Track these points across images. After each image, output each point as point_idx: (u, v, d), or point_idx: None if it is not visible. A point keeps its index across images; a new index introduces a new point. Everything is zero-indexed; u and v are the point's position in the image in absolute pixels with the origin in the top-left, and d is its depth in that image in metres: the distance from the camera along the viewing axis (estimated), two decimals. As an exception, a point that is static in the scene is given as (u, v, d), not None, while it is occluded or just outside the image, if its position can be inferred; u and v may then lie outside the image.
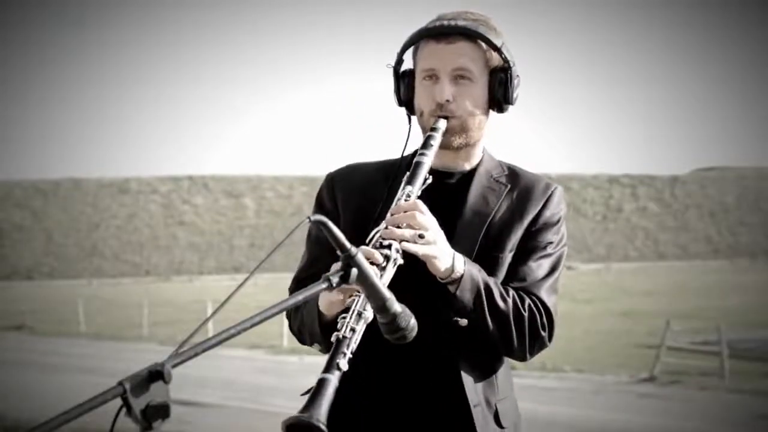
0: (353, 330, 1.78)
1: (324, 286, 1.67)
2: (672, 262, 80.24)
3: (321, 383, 1.66)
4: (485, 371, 2.16)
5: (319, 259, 2.13)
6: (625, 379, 15.45)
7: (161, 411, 1.34)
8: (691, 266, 70.70)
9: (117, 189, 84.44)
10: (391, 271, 1.92)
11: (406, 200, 2.06)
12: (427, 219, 2.01)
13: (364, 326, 1.80)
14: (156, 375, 1.34)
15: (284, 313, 2.22)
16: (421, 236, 1.98)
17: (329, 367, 1.70)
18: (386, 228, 1.99)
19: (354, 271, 1.70)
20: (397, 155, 2.26)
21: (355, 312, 1.81)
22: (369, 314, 1.81)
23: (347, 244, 1.70)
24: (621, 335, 22.29)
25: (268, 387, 14.47)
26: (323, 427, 1.59)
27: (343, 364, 1.71)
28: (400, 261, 1.95)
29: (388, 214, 2.03)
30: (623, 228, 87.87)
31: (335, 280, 1.69)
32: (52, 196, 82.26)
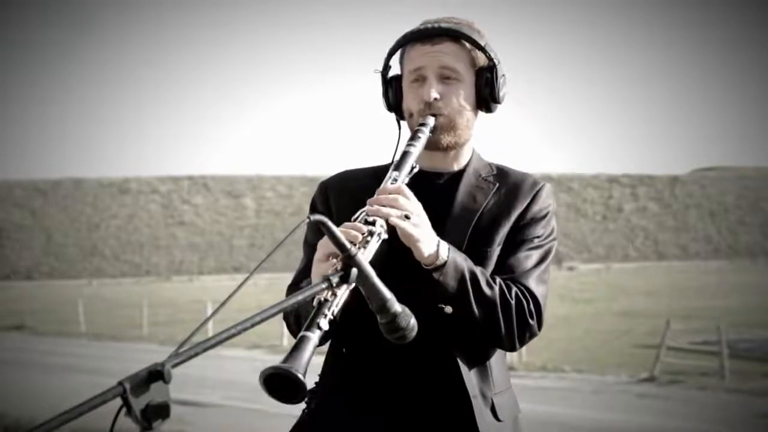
0: (334, 294, 1.77)
1: (324, 286, 1.67)
2: (672, 262, 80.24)
3: (301, 340, 1.67)
4: (477, 361, 2.17)
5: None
6: (625, 379, 15.45)
7: (161, 411, 1.34)
8: (691, 266, 70.70)
9: (117, 189, 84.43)
10: (374, 244, 1.91)
11: (392, 184, 2.08)
12: (411, 203, 2.03)
13: (347, 291, 1.78)
14: (156, 375, 1.34)
15: (282, 315, 2.24)
16: (407, 216, 2.00)
17: (310, 326, 1.70)
18: (371, 207, 1.99)
19: (354, 270, 1.70)
20: (389, 159, 2.27)
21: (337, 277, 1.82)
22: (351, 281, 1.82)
23: (347, 244, 1.70)
24: (621, 335, 22.28)
25: (268, 387, 14.45)
26: (301, 377, 1.60)
27: (324, 323, 1.71)
28: (385, 236, 1.95)
29: (375, 195, 2.04)
30: (623, 228, 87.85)
31: (335, 280, 1.69)
32: (52, 196, 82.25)
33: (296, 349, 1.65)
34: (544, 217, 2.24)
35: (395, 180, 2.09)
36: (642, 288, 41.37)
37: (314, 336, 1.68)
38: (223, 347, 16.20)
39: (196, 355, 1.41)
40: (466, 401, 2.12)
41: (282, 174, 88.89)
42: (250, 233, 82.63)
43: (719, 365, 14.97)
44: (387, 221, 1.97)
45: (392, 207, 1.99)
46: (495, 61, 2.21)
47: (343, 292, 1.78)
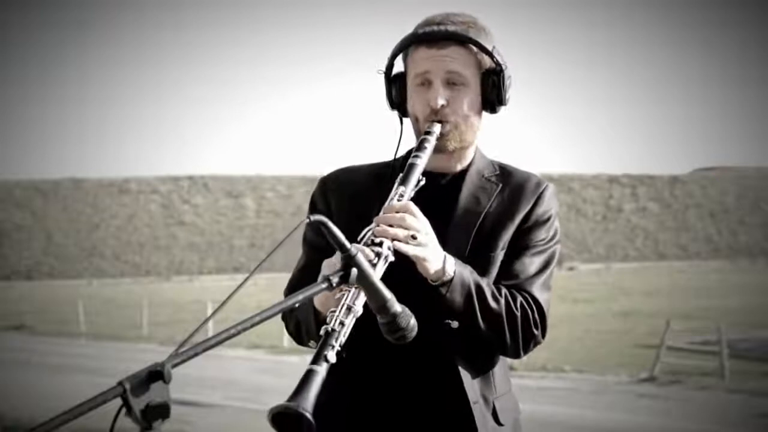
0: (342, 323, 1.76)
1: (324, 286, 1.67)
2: (672, 262, 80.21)
3: (308, 374, 1.65)
4: (481, 369, 2.16)
5: (313, 265, 2.10)
6: (625, 379, 15.46)
7: (161, 411, 1.34)
8: (691, 266, 70.68)
9: (117, 189, 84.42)
10: (382, 267, 1.91)
11: (399, 200, 2.06)
12: (418, 221, 2.01)
13: (354, 320, 1.78)
14: (156, 375, 1.34)
15: (281, 316, 2.24)
16: (413, 237, 1.98)
17: (317, 359, 1.69)
18: (378, 226, 1.98)
19: (354, 271, 1.70)
20: (389, 157, 2.27)
21: (345, 306, 1.80)
22: (359, 308, 1.80)
23: (347, 244, 1.69)
24: (621, 335, 22.28)
25: (269, 387, 14.48)
26: (309, 416, 1.58)
27: (331, 356, 1.70)
28: (392, 258, 1.94)
29: (381, 213, 2.02)
30: (623, 228, 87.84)
31: (335, 280, 1.68)
32: (52, 196, 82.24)
33: (303, 383, 1.63)
34: (548, 220, 2.21)
35: (402, 195, 2.07)
36: (642, 288, 41.35)
37: (322, 369, 1.66)
38: (223, 347, 16.20)
39: (196, 355, 1.40)
40: (468, 408, 2.11)
41: (282, 174, 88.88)
42: (250, 233, 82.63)
43: (719, 365, 14.97)
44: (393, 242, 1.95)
45: (400, 227, 1.97)
46: (502, 65, 2.19)
47: (350, 322, 1.77)
